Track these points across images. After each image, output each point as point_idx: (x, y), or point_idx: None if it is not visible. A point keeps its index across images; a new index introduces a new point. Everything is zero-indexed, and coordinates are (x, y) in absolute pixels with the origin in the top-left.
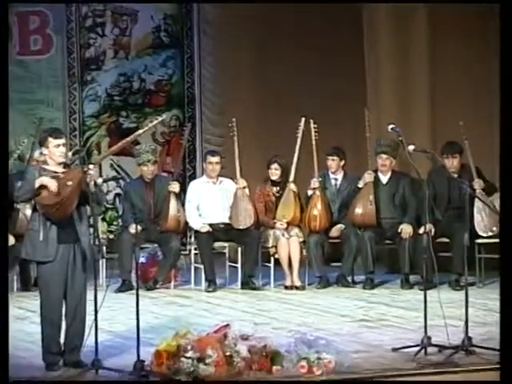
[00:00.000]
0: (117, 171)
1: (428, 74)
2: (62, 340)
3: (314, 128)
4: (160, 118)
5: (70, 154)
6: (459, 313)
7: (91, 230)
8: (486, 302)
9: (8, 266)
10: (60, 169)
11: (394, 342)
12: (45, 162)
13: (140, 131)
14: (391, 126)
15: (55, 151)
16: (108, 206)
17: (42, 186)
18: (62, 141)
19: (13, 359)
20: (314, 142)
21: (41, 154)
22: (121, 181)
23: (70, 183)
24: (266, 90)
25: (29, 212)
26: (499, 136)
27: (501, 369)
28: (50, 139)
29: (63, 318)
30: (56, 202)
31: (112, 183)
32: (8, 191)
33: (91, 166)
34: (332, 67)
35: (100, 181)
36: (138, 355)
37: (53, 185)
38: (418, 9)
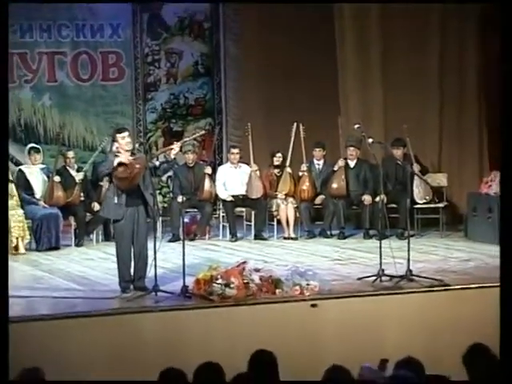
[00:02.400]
0: (168, 160)
1: (381, 85)
2: (131, 273)
3: (303, 129)
4: (202, 132)
5: (136, 145)
6: (403, 254)
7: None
8: (421, 247)
9: (7, 261)
10: (128, 155)
11: (359, 273)
12: (118, 152)
13: (187, 139)
14: (356, 126)
15: (122, 142)
16: (163, 184)
17: (118, 164)
18: (126, 133)
19: (98, 286)
20: (302, 139)
21: (117, 147)
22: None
23: (137, 166)
24: (271, 104)
25: (107, 186)
26: (499, 136)
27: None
28: (117, 134)
29: (132, 258)
30: (126, 176)
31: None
32: (8, 191)
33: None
34: (317, 79)
35: (157, 163)
36: (184, 282)
37: (126, 161)
38: (373, 26)
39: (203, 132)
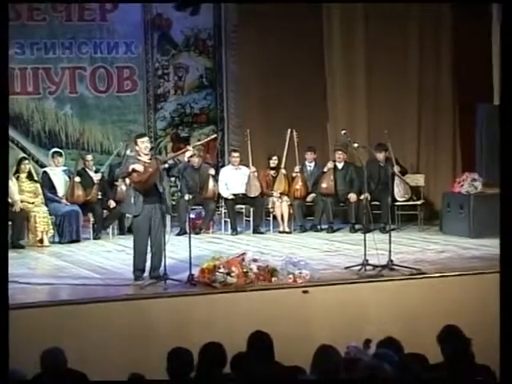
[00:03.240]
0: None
1: (365, 96)
2: (145, 263)
3: (296, 135)
4: (213, 136)
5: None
6: (385, 246)
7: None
8: (401, 239)
9: (7, 259)
10: (147, 159)
11: (346, 263)
12: (138, 155)
13: (198, 142)
14: (343, 132)
15: (142, 146)
16: (171, 184)
17: (134, 169)
18: (145, 139)
19: (114, 275)
20: (295, 144)
21: (131, 151)
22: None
23: (150, 169)
24: (267, 113)
25: (123, 187)
26: (499, 136)
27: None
28: (138, 139)
29: (149, 250)
30: (140, 180)
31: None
32: (8, 192)
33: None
34: (308, 90)
35: (167, 166)
36: (190, 271)
37: (140, 168)
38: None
39: (214, 136)
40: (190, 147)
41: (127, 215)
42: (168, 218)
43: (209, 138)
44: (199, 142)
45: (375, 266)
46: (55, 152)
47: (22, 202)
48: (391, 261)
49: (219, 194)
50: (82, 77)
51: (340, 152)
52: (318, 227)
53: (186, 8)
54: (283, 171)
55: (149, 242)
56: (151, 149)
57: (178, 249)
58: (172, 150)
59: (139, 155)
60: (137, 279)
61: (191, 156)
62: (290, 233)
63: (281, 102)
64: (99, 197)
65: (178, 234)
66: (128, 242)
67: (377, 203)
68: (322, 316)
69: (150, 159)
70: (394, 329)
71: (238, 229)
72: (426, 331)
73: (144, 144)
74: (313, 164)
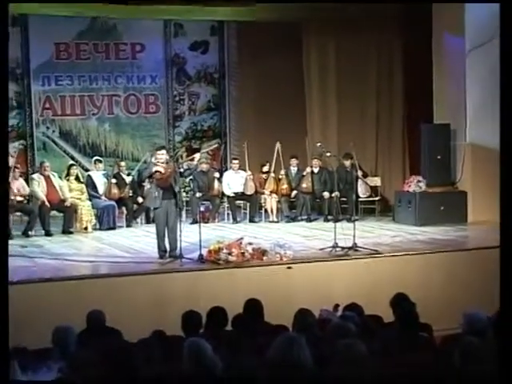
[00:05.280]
0: (190, 168)
1: (336, 116)
2: (166, 245)
3: (281, 146)
4: (212, 147)
5: (167, 157)
6: (351, 232)
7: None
8: (363, 227)
9: (7, 258)
10: (164, 165)
11: (320, 245)
12: (158, 162)
13: (204, 150)
14: (318, 144)
15: (160, 157)
16: (186, 185)
17: (157, 170)
18: (163, 151)
19: (142, 254)
20: (281, 153)
21: (155, 159)
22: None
23: (169, 170)
24: (260, 130)
25: (148, 186)
26: (499, 136)
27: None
28: (157, 151)
29: (166, 235)
30: (160, 178)
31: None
32: (8, 192)
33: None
34: (292, 112)
35: (182, 170)
36: (200, 252)
37: (161, 169)
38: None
39: (215, 146)
40: (196, 155)
41: (151, 208)
42: (183, 211)
43: (211, 147)
44: (204, 150)
45: (343, 248)
46: (96, 159)
47: (71, 198)
48: (355, 243)
49: (223, 192)
50: (117, 102)
51: (316, 160)
52: (299, 218)
53: (198, 49)
54: (272, 174)
55: (167, 230)
56: (170, 156)
57: (191, 234)
58: (187, 157)
59: (159, 162)
60: (160, 258)
61: (201, 163)
62: (277, 222)
63: (270, 120)
64: (130, 194)
65: (191, 223)
66: (152, 229)
67: (344, 199)
68: (302, 286)
69: (167, 163)
70: (356, 296)
71: (238, 219)
72: (382, 298)
73: (162, 155)
74: (295, 169)
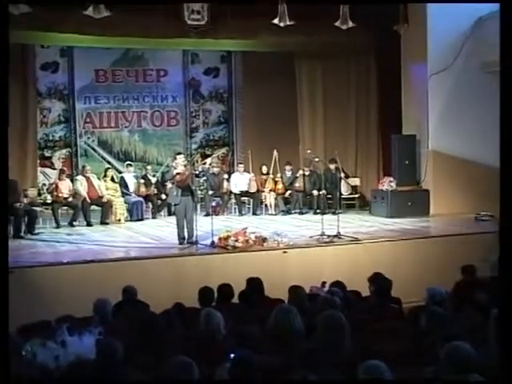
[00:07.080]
0: (204, 170)
1: (323, 126)
2: (185, 233)
3: (278, 154)
4: (221, 152)
5: (185, 162)
6: (335, 223)
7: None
8: (345, 219)
9: (7, 260)
10: (182, 168)
11: (310, 234)
12: (177, 165)
13: (214, 155)
14: (309, 151)
15: (179, 161)
16: (200, 184)
17: (177, 173)
18: (182, 156)
19: (165, 241)
20: (278, 159)
21: (175, 163)
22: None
23: (187, 173)
24: (261, 140)
25: (170, 185)
26: (499, 137)
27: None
28: (177, 156)
29: (185, 225)
30: (180, 179)
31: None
32: (8, 192)
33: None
34: (287, 123)
35: (197, 172)
36: (212, 239)
37: (181, 172)
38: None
39: (222, 152)
40: (208, 159)
41: (172, 204)
42: (198, 205)
43: (219, 153)
44: (215, 155)
45: (329, 236)
46: (128, 164)
47: (107, 195)
48: (339, 232)
49: (231, 191)
50: (145, 117)
51: (307, 164)
52: (293, 211)
53: (210, 74)
54: (271, 176)
55: (185, 221)
56: (188, 161)
57: (204, 224)
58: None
59: (178, 166)
60: (180, 244)
61: (213, 166)
62: (275, 215)
63: (269, 132)
64: (155, 192)
65: (205, 216)
66: (173, 220)
67: (330, 196)
68: (295, 267)
69: (185, 166)
70: (341, 275)
71: (243, 212)
72: (361, 276)
73: (181, 159)
74: (290, 172)
